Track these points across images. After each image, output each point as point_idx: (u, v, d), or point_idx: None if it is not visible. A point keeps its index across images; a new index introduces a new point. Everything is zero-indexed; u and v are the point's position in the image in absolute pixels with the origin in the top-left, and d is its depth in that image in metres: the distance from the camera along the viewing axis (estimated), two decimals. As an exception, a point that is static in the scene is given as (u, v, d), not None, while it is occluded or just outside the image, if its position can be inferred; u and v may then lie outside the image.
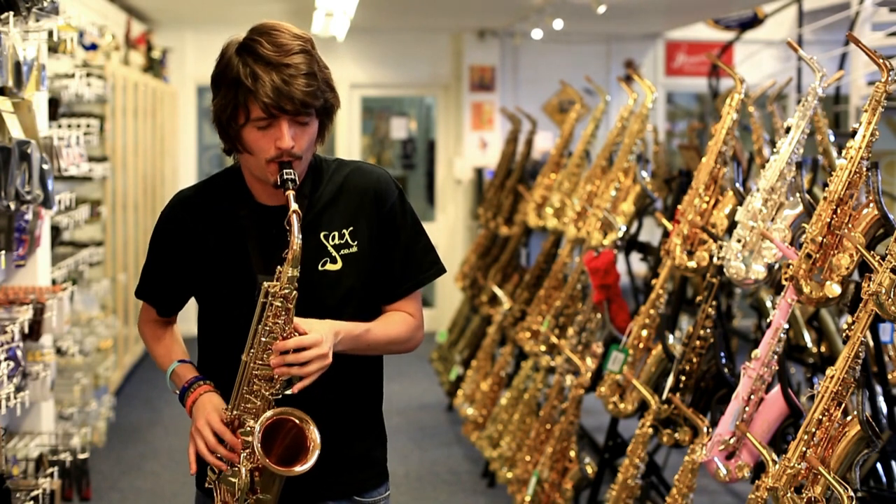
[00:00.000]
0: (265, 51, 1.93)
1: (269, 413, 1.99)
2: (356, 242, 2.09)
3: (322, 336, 1.95)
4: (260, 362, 1.97)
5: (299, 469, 1.97)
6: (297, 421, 2.01)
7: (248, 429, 2.00)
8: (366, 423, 2.20)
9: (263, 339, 1.96)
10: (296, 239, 1.93)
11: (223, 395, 2.09)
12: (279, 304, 1.95)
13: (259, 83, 1.91)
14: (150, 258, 2.21)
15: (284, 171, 1.96)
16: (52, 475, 3.40)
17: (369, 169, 2.16)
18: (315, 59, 1.98)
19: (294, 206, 1.94)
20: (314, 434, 2.00)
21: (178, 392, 2.15)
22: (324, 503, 2.15)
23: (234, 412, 2.02)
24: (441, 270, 2.19)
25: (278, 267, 1.96)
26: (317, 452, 1.98)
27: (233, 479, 2.00)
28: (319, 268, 2.07)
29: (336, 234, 2.09)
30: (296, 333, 1.96)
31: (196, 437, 2.03)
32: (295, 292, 1.95)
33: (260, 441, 1.97)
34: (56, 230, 4.69)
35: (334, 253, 2.08)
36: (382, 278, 2.14)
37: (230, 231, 2.10)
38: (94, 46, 5.84)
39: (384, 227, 2.12)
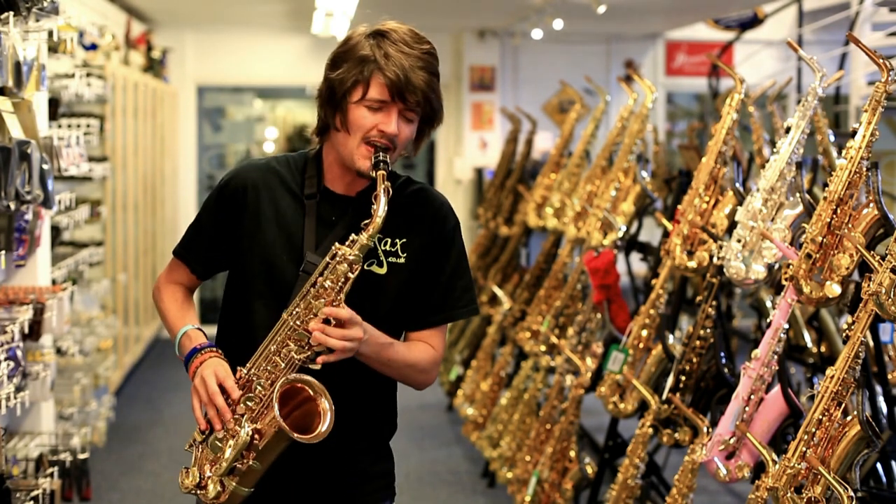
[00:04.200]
0: (398, 36, 2.01)
1: (291, 376, 1.96)
2: (405, 255, 2.10)
3: (362, 324, 1.96)
4: (300, 322, 1.95)
5: (307, 437, 1.94)
6: (310, 392, 1.97)
7: (256, 395, 1.96)
8: (372, 438, 2.18)
9: (312, 300, 1.95)
10: (380, 213, 1.94)
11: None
12: (342, 270, 1.95)
13: (391, 61, 1.97)
14: (201, 217, 2.18)
15: (381, 152, 1.99)
16: (52, 475, 3.40)
17: (435, 193, 2.19)
18: (437, 64, 2.05)
19: (386, 183, 1.96)
20: (326, 406, 1.96)
21: (185, 356, 2.08)
22: None
23: (251, 371, 1.99)
24: (475, 311, 2.20)
25: (353, 235, 1.96)
26: (326, 426, 1.94)
27: (220, 444, 1.96)
28: (365, 266, 2.06)
29: (389, 240, 2.10)
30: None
31: (198, 387, 1.99)
32: (359, 265, 1.95)
33: (278, 399, 1.93)
34: (56, 230, 4.69)
35: (382, 258, 2.09)
36: (418, 302, 2.13)
37: (290, 206, 2.10)
38: (94, 46, 5.83)
39: (435, 250, 2.13)
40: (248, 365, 2.00)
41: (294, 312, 1.96)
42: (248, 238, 2.11)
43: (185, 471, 2.01)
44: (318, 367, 1.96)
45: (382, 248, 2.09)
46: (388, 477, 2.23)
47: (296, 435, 1.93)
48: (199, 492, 1.99)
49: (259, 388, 1.97)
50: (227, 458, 1.95)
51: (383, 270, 2.09)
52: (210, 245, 2.17)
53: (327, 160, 2.12)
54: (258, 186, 2.11)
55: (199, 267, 2.20)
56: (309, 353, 1.96)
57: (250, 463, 1.96)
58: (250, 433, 1.95)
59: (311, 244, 2.06)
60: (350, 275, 1.95)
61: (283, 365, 1.97)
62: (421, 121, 2.06)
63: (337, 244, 1.97)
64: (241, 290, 2.14)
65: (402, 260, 2.10)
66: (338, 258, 1.95)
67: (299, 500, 2.11)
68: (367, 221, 1.96)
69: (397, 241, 2.10)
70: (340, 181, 2.10)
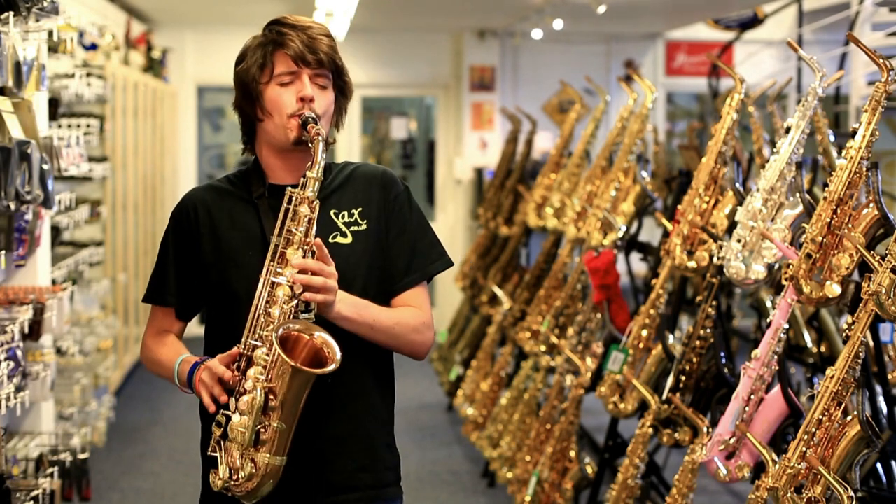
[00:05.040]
0: (290, 21, 2.10)
1: (289, 325, 1.95)
2: (365, 221, 2.14)
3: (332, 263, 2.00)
4: (279, 271, 1.98)
5: (323, 370, 1.92)
6: (306, 335, 1.96)
7: (262, 363, 1.95)
8: (359, 441, 2.15)
9: (283, 250, 1.99)
10: (320, 154, 2.00)
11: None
12: (303, 212, 2.00)
13: (287, 37, 2.06)
14: (163, 256, 2.20)
15: (306, 111, 2.05)
16: (52, 475, 3.40)
17: (376, 164, 2.25)
18: (331, 33, 2.14)
19: (318, 127, 2.02)
20: (325, 338, 1.95)
21: (186, 377, 2.07)
22: None
23: (248, 342, 1.98)
24: (448, 263, 2.21)
25: (301, 178, 2.02)
26: (337, 355, 1.94)
27: (240, 428, 1.93)
28: (330, 240, 2.10)
29: (346, 213, 2.14)
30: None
31: (204, 378, 1.99)
32: (316, 203, 2.00)
33: (279, 343, 1.92)
34: (56, 230, 4.69)
35: (344, 228, 2.13)
36: (391, 267, 2.15)
37: (244, 211, 2.14)
38: (94, 46, 5.83)
39: (391, 214, 2.17)
40: (243, 339, 2.00)
41: (269, 268, 2.00)
42: (212, 252, 2.13)
43: (214, 472, 1.99)
44: (311, 317, 1.99)
45: (342, 220, 2.13)
46: (396, 471, 2.22)
47: (310, 369, 1.92)
48: (232, 482, 1.95)
49: (262, 355, 1.96)
50: (249, 425, 1.92)
51: (349, 239, 2.12)
52: (178, 275, 2.18)
53: (265, 160, 2.17)
54: (207, 203, 2.16)
55: (173, 299, 2.19)
56: (296, 300, 1.97)
57: (274, 425, 1.93)
58: (263, 392, 1.92)
59: (272, 232, 2.08)
60: (312, 215, 2.00)
61: (276, 322, 1.98)
62: (335, 86, 2.13)
63: (289, 188, 2.03)
64: (220, 304, 2.15)
65: (364, 226, 2.14)
66: (295, 200, 2.01)
67: (313, 483, 2.10)
68: (308, 164, 2.02)
69: (354, 210, 2.15)
70: (282, 172, 2.14)
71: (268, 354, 1.95)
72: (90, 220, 5.58)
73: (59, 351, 4.64)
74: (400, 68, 9.11)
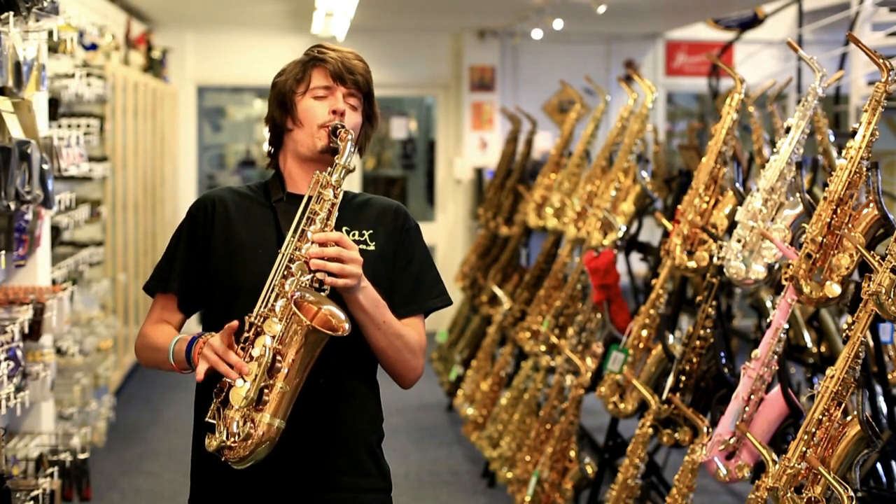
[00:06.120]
0: (331, 45, 2.23)
1: (305, 293, 1.96)
2: (374, 244, 2.19)
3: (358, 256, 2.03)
4: (298, 251, 2.02)
5: (336, 333, 1.94)
6: (315, 308, 1.96)
7: (270, 331, 1.95)
8: (350, 454, 2.16)
9: (305, 228, 2.03)
10: (346, 150, 2.08)
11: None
12: (327, 196, 2.05)
13: (326, 55, 2.18)
14: (171, 248, 2.21)
15: (338, 121, 2.13)
16: (52, 475, 3.40)
17: (391, 199, 2.31)
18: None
19: (350, 133, 2.10)
20: (332, 309, 1.97)
21: (185, 352, 2.06)
22: None
23: (260, 312, 1.99)
24: (448, 301, 2.26)
25: (329, 168, 2.08)
26: (345, 321, 1.96)
27: (245, 389, 1.92)
28: None
29: (356, 232, 2.19)
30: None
31: (206, 353, 1.97)
32: (340, 190, 2.07)
33: (293, 300, 1.94)
34: (56, 230, 4.69)
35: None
36: (393, 295, 2.17)
37: (260, 212, 2.19)
38: (94, 46, 5.83)
39: (400, 245, 2.21)
40: (255, 309, 2.01)
41: (290, 241, 2.04)
42: (223, 245, 2.16)
43: (210, 434, 1.98)
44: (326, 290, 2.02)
45: (351, 238, 2.15)
46: (384, 479, 2.21)
47: (324, 329, 1.93)
48: (227, 443, 1.94)
49: (272, 323, 1.96)
50: (256, 381, 1.91)
51: None
52: (185, 264, 2.18)
53: (287, 169, 2.22)
54: (225, 200, 2.21)
55: (176, 286, 2.19)
56: (311, 276, 2.00)
57: (278, 385, 1.93)
58: (272, 352, 1.92)
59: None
60: (335, 200, 2.06)
61: (289, 293, 1.99)
62: (364, 112, 2.22)
63: (318, 172, 2.08)
64: (222, 297, 2.15)
65: (372, 247, 2.18)
66: (322, 183, 2.06)
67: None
68: (337, 155, 2.09)
69: (364, 232, 2.20)
70: (302, 182, 2.18)
71: (280, 320, 1.96)
72: (90, 220, 5.58)
73: (59, 351, 4.64)
74: (400, 68, 9.11)
